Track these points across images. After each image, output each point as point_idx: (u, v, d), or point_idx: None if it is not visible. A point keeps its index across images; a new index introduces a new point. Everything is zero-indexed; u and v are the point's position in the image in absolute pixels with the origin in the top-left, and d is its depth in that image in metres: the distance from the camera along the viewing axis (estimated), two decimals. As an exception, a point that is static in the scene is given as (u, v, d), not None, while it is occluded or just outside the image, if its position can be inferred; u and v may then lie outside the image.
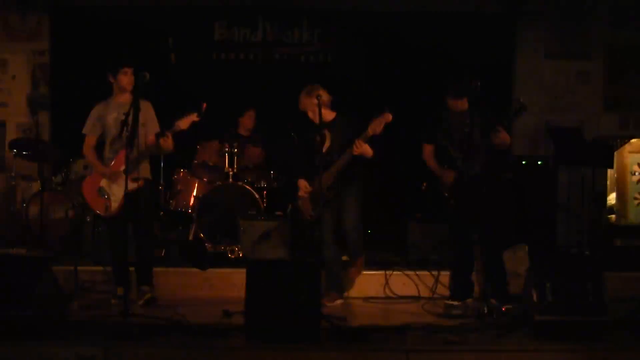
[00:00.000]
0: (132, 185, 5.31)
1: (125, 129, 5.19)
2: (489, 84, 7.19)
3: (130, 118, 5.20)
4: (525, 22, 8.06)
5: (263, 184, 7.23)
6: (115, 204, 5.56)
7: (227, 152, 7.11)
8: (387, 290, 6.09)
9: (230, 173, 7.08)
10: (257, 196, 6.90)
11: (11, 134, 7.94)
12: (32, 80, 8.07)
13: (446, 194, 5.57)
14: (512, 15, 8.03)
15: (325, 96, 5.76)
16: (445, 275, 6.00)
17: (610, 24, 8.07)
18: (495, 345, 4.64)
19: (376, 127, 5.46)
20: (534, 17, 8.03)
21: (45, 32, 8.05)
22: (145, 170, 5.76)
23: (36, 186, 7.13)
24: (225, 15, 8.10)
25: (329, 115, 5.81)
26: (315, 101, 5.63)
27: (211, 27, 8.11)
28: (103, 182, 5.65)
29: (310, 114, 5.81)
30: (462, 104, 5.50)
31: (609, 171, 6.86)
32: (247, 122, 7.51)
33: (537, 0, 8.02)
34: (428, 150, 5.74)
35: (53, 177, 7.32)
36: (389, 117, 5.44)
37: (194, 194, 7.19)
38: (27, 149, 7.00)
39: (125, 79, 5.65)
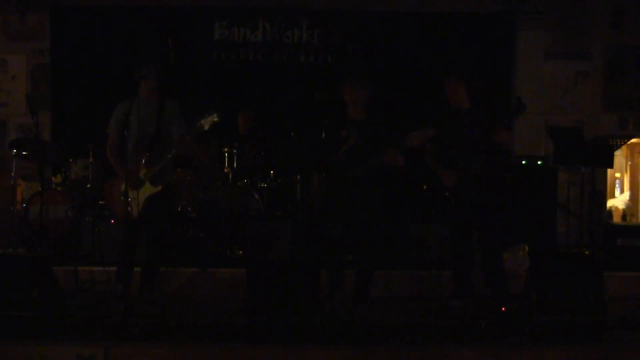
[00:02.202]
0: (150, 190, 5.28)
1: (125, 129, 5.17)
2: (489, 84, 7.19)
3: (130, 118, 5.18)
4: (525, 22, 8.06)
5: (263, 184, 7.22)
6: (135, 208, 5.40)
7: (226, 152, 7.10)
8: (387, 290, 6.09)
9: (230, 173, 7.07)
10: (257, 196, 6.89)
11: (11, 134, 7.95)
12: (32, 80, 8.07)
13: (447, 194, 5.56)
14: (512, 15, 8.03)
15: (367, 93, 5.52)
16: (445, 275, 6.01)
17: (610, 24, 8.07)
18: (495, 345, 4.64)
19: (416, 140, 5.21)
20: (534, 17, 8.03)
21: (45, 32, 8.04)
22: (168, 174, 5.64)
23: (36, 186, 7.13)
24: (225, 15, 8.09)
25: (363, 114, 5.53)
26: (362, 93, 5.46)
27: (211, 27, 8.11)
28: (123, 186, 5.48)
29: (350, 105, 5.53)
30: (461, 93, 5.48)
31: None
32: (240, 122, 7.51)
33: (537, 0, 8.02)
34: (428, 150, 5.73)
35: (53, 177, 7.32)
36: (431, 132, 5.25)
37: (193, 194, 7.17)
38: (27, 149, 6.99)
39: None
